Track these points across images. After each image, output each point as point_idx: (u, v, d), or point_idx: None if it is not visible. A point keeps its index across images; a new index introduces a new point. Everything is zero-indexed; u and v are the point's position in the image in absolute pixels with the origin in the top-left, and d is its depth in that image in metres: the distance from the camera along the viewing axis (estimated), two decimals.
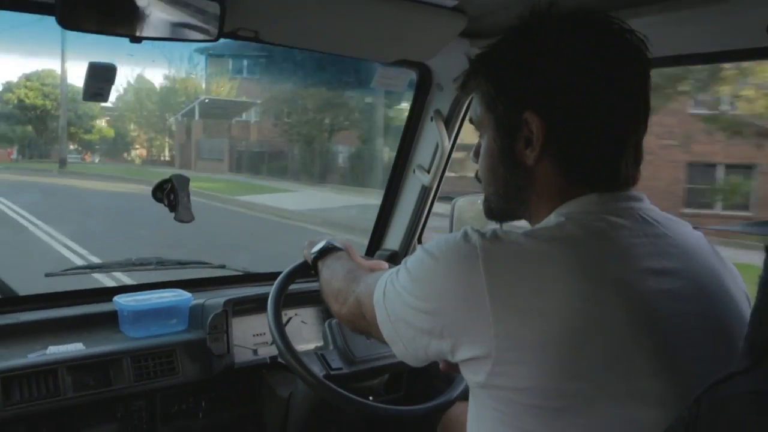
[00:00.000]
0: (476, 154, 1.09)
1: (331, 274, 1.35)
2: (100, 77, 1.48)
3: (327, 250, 1.45)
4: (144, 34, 1.27)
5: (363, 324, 1.12)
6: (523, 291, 0.84)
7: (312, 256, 1.47)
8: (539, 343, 0.82)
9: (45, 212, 10.02)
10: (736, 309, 0.96)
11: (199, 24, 1.34)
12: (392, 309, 0.98)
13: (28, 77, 17.67)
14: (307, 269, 1.53)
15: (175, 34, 1.33)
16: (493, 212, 1.08)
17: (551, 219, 0.96)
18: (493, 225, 1.58)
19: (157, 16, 1.28)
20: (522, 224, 1.05)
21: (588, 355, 0.82)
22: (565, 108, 0.93)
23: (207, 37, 1.35)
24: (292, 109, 16.75)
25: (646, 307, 0.87)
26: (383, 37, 1.67)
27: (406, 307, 0.95)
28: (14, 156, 18.91)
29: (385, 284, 1.01)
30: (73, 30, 1.20)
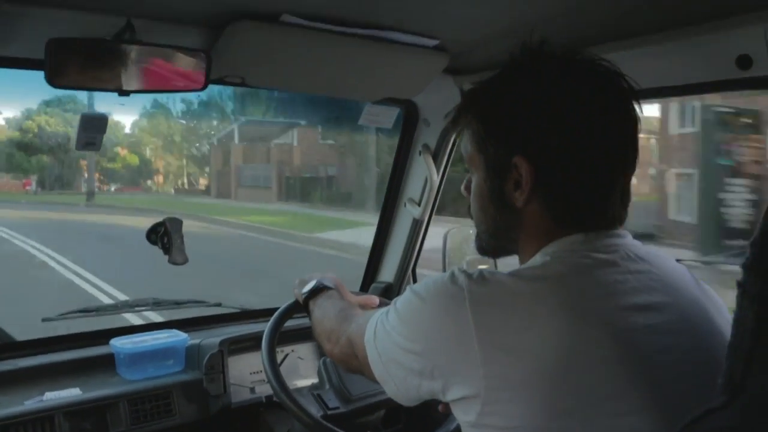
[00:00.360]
0: (467, 189, 1.10)
1: (322, 313, 1.36)
2: (93, 127, 1.52)
3: (318, 290, 1.45)
4: (131, 88, 1.30)
5: (355, 363, 1.13)
6: (510, 331, 0.85)
7: (303, 296, 1.47)
8: (527, 382, 0.83)
9: (90, 262, 9.11)
10: (722, 341, 0.96)
11: (186, 74, 1.37)
12: (383, 349, 0.99)
13: (47, 103, 17.06)
14: (299, 309, 1.54)
15: (163, 86, 1.37)
16: (484, 249, 1.10)
17: (537, 258, 0.97)
18: (486, 259, 1.62)
19: (144, 70, 1.31)
20: (514, 260, 1.07)
21: (576, 393, 0.83)
22: (554, 153, 0.94)
23: (194, 86, 1.39)
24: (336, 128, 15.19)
25: (632, 343, 0.87)
26: (369, 77, 1.71)
27: (396, 347, 0.96)
28: (32, 188, 18.26)
29: (375, 324, 1.02)
30: (62, 88, 1.23)
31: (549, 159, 0.94)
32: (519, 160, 0.95)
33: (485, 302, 0.88)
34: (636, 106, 0.98)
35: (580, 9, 1.26)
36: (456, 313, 0.88)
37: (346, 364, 1.21)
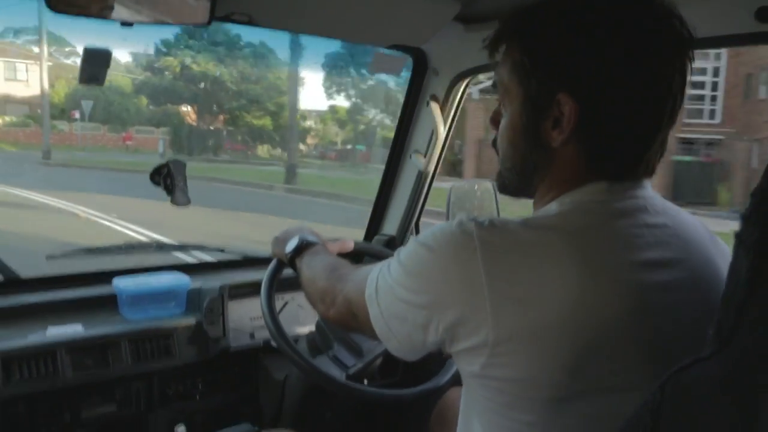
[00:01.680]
0: (494, 123, 1.04)
1: (312, 273, 1.29)
2: (96, 61, 1.50)
3: (302, 247, 1.40)
4: (134, 18, 1.28)
5: (354, 323, 1.07)
6: (521, 280, 0.83)
7: (288, 256, 1.42)
8: (535, 333, 0.82)
9: None
10: None
11: (190, 7, 1.34)
12: (385, 305, 0.95)
13: (191, 35, 13.61)
14: (284, 267, 1.50)
15: (166, 18, 1.33)
16: (505, 186, 1.04)
17: (552, 207, 0.94)
18: (489, 214, 1.58)
19: (147, 0, 1.28)
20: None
21: (583, 346, 0.82)
22: (603, 94, 0.88)
23: (199, 21, 1.36)
24: None
25: (642, 299, 0.86)
26: (377, 21, 1.67)
27: (400, 302, 0.92)
28: (160, 149, 15.70)
29: (377, 280, 0.97)
30: (61, 13, 1.20)
31: (596, 100, 0.88)
32: (564, 97, 0.89)
33: (496, 251, 0.84)
34: (691, 56, 0.91)
35: None
36: (466, 262, 0.85)
37: (344, 325, 1.15)
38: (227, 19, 1.51)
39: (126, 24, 1.28)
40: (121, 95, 16.93)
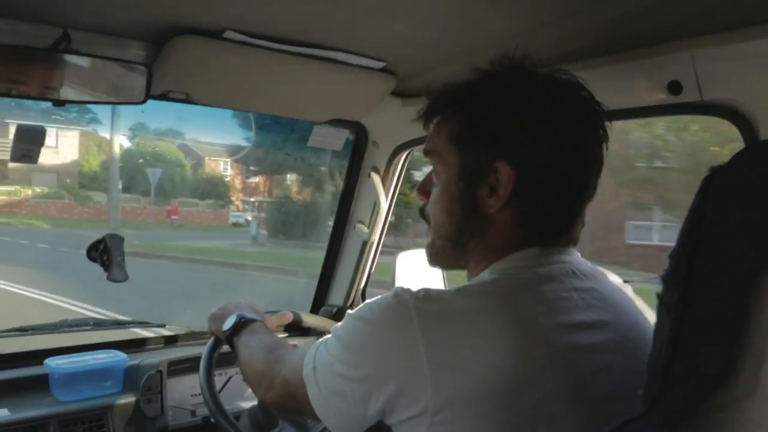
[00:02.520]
0: (424, 192, 1.06)
1: (249, 354, 1.26)
2: (29, 139, 1.49)
3: (240, 325, 1.37)
4: (68, 98, 1.29)
5: (293, 405, 1.06)
6: (458, 347, 0.84)
7: (225, 334, 1.38)
8: (474, 398, 0.83)
9: None
10: None
11: (126, 87, 1.36)
12: (323, 382, 0.94)
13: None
14: (222, 344, 1.46)
15: (101, 98, 1.35)
16: (438, 257, 1.05)
17: (485, 274, 0.96)
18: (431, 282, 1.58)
19: (82, 80, 1.29)
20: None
21: (520, 410, 0.83)
22: (538, 164, 0.93)
23: (134, 100, 1.37)
24: None
25: (573, 361, 0.88)
26: (316, 98, 1.72)
27: (338, 377, 0.92)
28: (252, 231, 13.24)
29: (314, 357, 0.97)
30: None
31: (532, 168, 0.93)
32: (502, 165, 0.93)
33: (433, 319, 0.86)
34: (606, 134, 0.99)
35: (519, 35, 1.29)
36: (404, 332, 0.86)
37: (283, 408, 1.15)
38: (164, 97, 1.53)
39: (58, 104, 1.29)
40: (179, 165, 15.61)
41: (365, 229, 2.09)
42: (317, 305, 2.29)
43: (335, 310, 2.22)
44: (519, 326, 0.86)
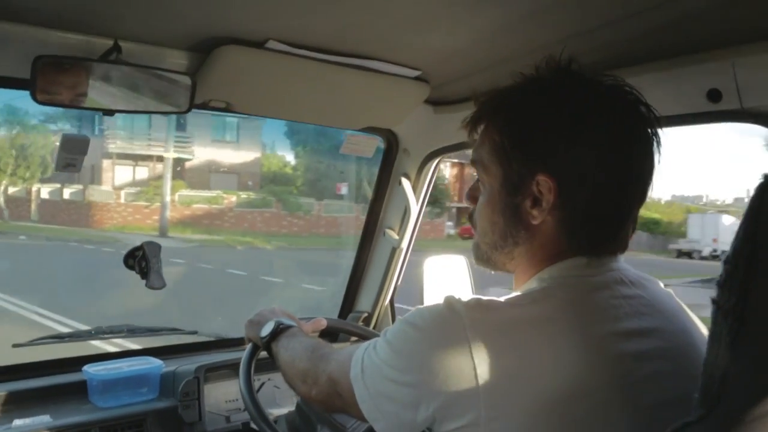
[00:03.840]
0: (472, 198, 1.06)
1: (291, 355, 1.26)
2: (74, 149, 1.51)
3: (279, 331, 1.37)
4: (116, 108, 1.31)
5: (338, 403, 1.06)
6: (510, 358, 0.85)
7: (263, 340, 1.38)
8: (527, 409, 0.83)
9: None
10: None
11: (171, 97, 1.38)
12: (372, 384, 0.95)
13: None
14: (260, 351, 1.47)
15: (147, 107, 1.38)
16: (483, 259, 1.06)
17: (533, 283, 0.97)
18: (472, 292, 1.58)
19: (129, 90, 1.32)
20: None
21: (573, 418, 0.84)
22: (581, 173, 0.92)
23: (178, 109, 1.40)
24: None
25: (624, 369, 0.89)
26: (351, 106, 1.74)
27: (388, 381, 0.93)
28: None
29: (362, 359, 0.97)
30: (47, 105, 1.23)
31: (573, 180, 0.93)
32: (543, 178, 0.93)
33: (485, 330, 0.86)
34: (657, 138, 0.97)
35: (557, 44, 1.30)
36: (455, 342, 0.86)
37: (327, 405, 1.14)
38: (205, 106, 1.56)
39: (108, 113, 1.31)
40: None
41: (395, 236, 2.10)
42: (345, 311, 2.30)
43: (363, 316, 2.24)
44: (570, 336, 0.87)
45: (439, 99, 1.77)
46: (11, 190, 17.46)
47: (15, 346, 1.89)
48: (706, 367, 0.72)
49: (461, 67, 1.58)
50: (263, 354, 1.52)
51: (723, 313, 0.70)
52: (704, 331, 1.03)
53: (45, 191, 18.15)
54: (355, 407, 0.98)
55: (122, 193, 16.97)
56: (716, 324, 0.71)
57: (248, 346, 1.55)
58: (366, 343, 1.00)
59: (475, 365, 0.84)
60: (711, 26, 1.18)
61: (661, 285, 1.08)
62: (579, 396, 0.84)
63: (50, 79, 1.21)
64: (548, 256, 0.97)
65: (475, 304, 0.89)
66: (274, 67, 1.46)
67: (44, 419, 1.64)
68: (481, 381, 0.84)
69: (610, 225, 0.96)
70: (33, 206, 17.96)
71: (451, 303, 0.90)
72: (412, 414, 0.91)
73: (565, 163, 0.93)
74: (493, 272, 1.08)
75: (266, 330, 1.38)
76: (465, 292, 1.79)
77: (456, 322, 0.87)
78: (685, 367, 0.93)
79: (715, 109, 1.28)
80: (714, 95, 1.26)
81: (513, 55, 1.40)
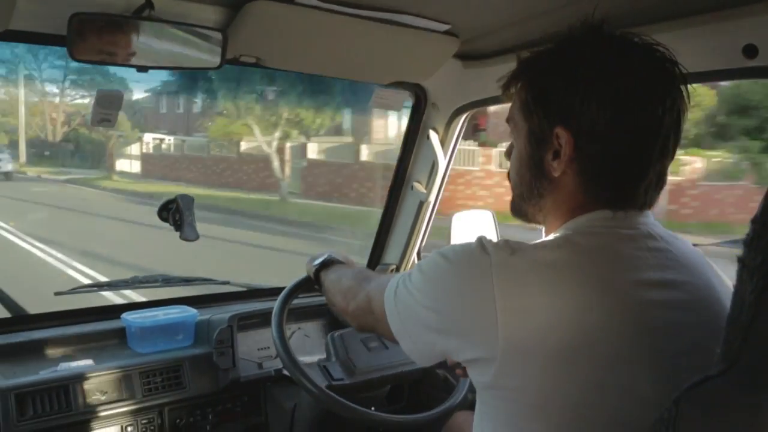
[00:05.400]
0: (508, 155, 1.13)
1: (338, 275, 1.41)
2: (108, 104, 1.55)
3: (329, 262, 1.50)
4: (149, 64, 1.33)
5: (370, 320, 1.17)
6: (532, 299, 0.89)
7: (314, 268, 1.51)
8: (545, 348, 0.87)
9: None
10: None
11: (203, 52, 1.40)
12: (402, 305, 1.03)
13: None
14: (309, 283, 1.57)
15: (180, 63, 1.40)
16: (517, 211, 1.12)
17: (561, 232, 1.01)
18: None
19: (162, 46, 1.34)
20: None
21: (590, 359, 0.88)
22: (597, 129, 0.96)
23: (210, 65, 1.42)
24: None
25: (646, 316, 0.92)
26: (380, 60, 1.74)
27: (417, 304, 1.00)
28: None
29: (397, 283, 1.06)
30: (83, 62, 1.26)
31: (590, 134, 0.96)
32: (560, 130, 0.98)
33: (510, 270, 0.92)
34: (685, 95, 0.99)
35: None
36: (480, 279, 0.92)
37: (360, 321, 1.25)
38: (236, 61, 1.57)
39: (141, 69, 1.34)
40: None
41: (422, 189, 2.12)
42: (372, 264, 2.34)
43: (391, 268, 2.28)
44: (592, 283, 0.91)
45: (468, 53, 1.75)
46: None
47: (57, 294, 1.97)
48: (730, 322, 0.74)
49: (491, 22, 1.56)
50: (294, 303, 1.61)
51: (748, 271, 0.71)
52: (731, 288, 1.05)
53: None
54: (384, 324, 1.08)
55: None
56: (741, 282, 0.73)
57: (301, 277, 1.65)
58: (404, 272, 1.09)
59: (496, 302, 0.89)
60: None
61: (689, 243, 1.09)
62: (596, 339, 0.88)
63: (85, 36, 1.23)
64: (572, 208, 1.01)
65: (503, 245, 0.95)
66: (303, 21, 1.46)
67: (88, 363, 1.73)
68: (500, 318, 0.89)
69: (628, 179, 0.99)
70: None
71: (482, 242, 0.96)
72: (434, 337, 0.98)
73: (580, 117, 0.97)
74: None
75: (318, 261, 1.52)
76: None
77: (483, 260, 0.93)
78: (708, 320, 0.96)
79: (751, 65, 1.26)
80: (750, 51, 1.23)
81: (543, 9, 1.39)
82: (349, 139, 16.71)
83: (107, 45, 1.28)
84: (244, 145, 16.47)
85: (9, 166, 16.21)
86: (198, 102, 18.50)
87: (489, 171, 13.37)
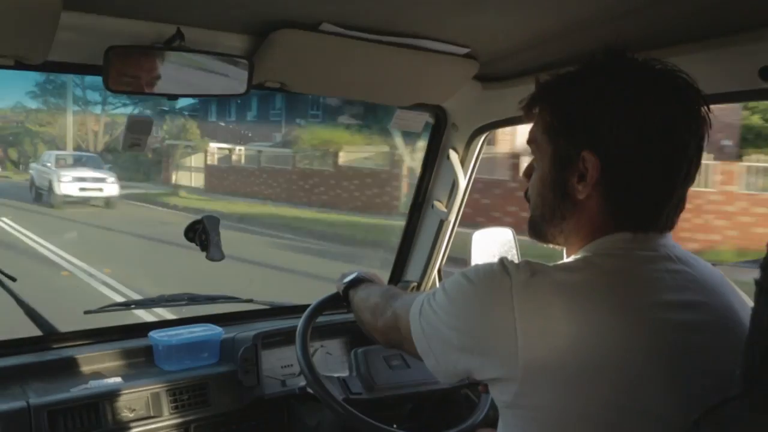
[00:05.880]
0: (527, 175, 1.14)
1: (367, 293, 1.44)
2: (138, 129, 1.60)
3: (358, 280, 1.54)
4: (179, 92, 1.38)
5: (397, 337, 1.20)
6: (552, 321, 0.91)
7: (343, 286, 1.55)
8: (564, 369, 0.90)
9: None
10: None
11: (230, 79, 1.44)
12: (427, 324, 1.06)
13: None
14: (337, 300, 1.60)
15: (207, 90, 1.44)
16: (535, 232, 1.13)
17: (581, 253, 1.03)
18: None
19: (191, 74, 1.39)
20: None
21: (610, 381, 0.89)
22: (624, 152, 0.98)
23: (236, 91, 1.46)
24: None
25: (665, 337, 0.93)
26: (401, 84, 1.78)
27: (440, 323, 1.03)
28: None
29: (422, 302, 1.08)
30: (117, 92, 1.31)
31: (616, 158, 0.98)
32: (587, 154, 0.99)
33: (530, 292, 0.93)
34: (707, 119, 1.01)
35: (606, 20, 1.31)
36: (501, 300, 0.94)
37: (387, 337, 1.28)
38: (261, 87, 1.62)
39: (171, 98, 1.38)
40: None
41: (443, 208, 2.15)
42: (394, 281, 2.37)
43: (412, 285, 2.30)
44: (612, 303, 0.93)
45: (487, 75, 1.79)
46: None
47: (87, 312, 2.02)
48: (748, 344, 0.76)
49: (510, 45, 1.59)
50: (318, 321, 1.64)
51: (765, 294, 0.73)
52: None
53: None
54: (409, 341, 1.10)
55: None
56: (759, 304, 0.74)
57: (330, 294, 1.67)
58: (428, 291, 1.12)
59: (516, 323, 0.91)
60: (762, 3, 1.17)
61: (709, 265, 1.10)
62: (616, 361, 0.90)
63: (120, 68, 1.28)
64: (594, 230, 1.03)
65: (525, 266, 0.97)
66: (327, 48, 1.51)
67: (117, 381, 1.77)
68: (520, 338, 0.91)
69: (652, 203, 1.01)
70: None
71: (503, 263, 0.98)
72: (457, 355, 1.01)
73: (608, 142, 0.98)
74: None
75: (348, 279, 1.56)
76: None
77: (504, 281, 0.95)
78: (727, 342, 0.96)
79: (766, 86, 1.27)
80: (766, 73, 1.25)
81: (561, 32, 1.41)
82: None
83: (139, 75, 1.33)
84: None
85: (114, 190, 13.58)
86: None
87: (729, 193, 10.13)
